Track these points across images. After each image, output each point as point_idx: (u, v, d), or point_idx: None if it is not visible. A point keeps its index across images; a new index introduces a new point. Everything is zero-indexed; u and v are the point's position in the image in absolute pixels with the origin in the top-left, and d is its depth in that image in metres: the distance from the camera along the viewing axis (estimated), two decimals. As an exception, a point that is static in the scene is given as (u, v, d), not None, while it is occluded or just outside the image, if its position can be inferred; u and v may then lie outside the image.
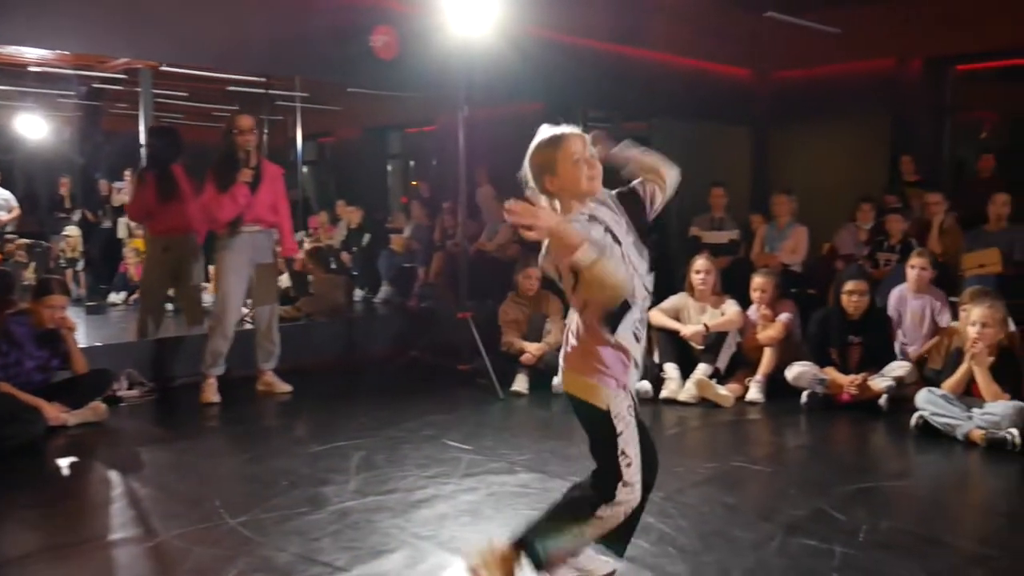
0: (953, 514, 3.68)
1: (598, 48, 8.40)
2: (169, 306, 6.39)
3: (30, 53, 7.96)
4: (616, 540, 2.69)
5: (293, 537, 3.14)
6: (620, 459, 2.52)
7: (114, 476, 3.89)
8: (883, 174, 8.74)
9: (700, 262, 5.63)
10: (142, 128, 8.49)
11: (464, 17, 6.26)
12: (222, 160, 5.31)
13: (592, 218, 2.42)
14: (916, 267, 5.57)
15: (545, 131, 2.52)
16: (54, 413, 4.47)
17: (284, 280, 7.61)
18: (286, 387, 5.55)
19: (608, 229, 2.41)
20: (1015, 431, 4.15)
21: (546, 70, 7.62)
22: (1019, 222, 6.53)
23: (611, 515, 2.53)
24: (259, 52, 6.34)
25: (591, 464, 4.01)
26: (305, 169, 15.08)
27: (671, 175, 2.63)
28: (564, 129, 2.51)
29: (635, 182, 2.61)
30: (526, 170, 2.54)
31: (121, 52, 6.63)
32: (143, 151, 5.71)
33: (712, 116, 9.58)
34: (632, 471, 2.53)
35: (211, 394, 5.23)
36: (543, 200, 2.50)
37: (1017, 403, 4.25)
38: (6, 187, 10.09)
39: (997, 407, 4.26)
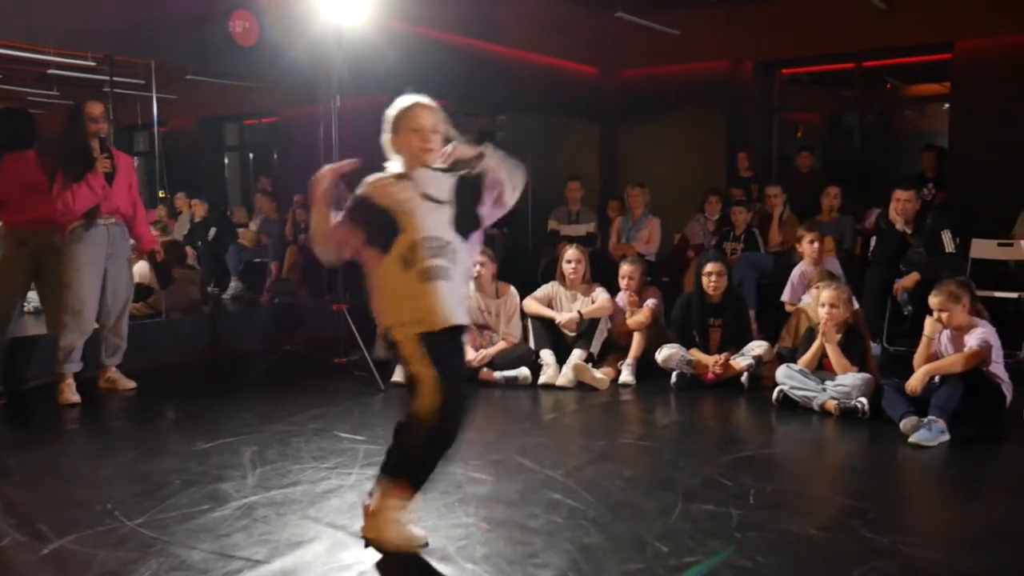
0: (822, 475, 4.06)
1: (451, 41, 8.47)
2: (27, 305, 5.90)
3: None
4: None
5: (202, 535, 3.03)
6: None
7: (-18, 484, 3.59)
8: (722, 169, 9.35)
9: (571, 252, 5.83)
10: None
11: (328, 5, 6.17)
12: (70, 148, 4.97)
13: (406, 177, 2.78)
14: (815, 241, 6.09)
15: (406, 96, 2.83)
16: None
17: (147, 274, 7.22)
18: (130, 383, 5.33)
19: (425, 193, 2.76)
20: (864, 400, 4.59)
21: (397, 62, 7.60)
22: (845, 213, 7.20)
23: None
24: (105, 33, 5.95)
25: (488, 449, 4.12)
26: (136, 161, 14.24)
27: (513, 193, 2.87)
28: (420, 98, 2.82)
29: (482, 177, 2.83)
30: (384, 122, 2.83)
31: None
32: None
33: (562, 112, 9.91)
34: None
35: (70, 394, 4.91)
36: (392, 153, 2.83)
37: (864, 375, 4.71)
38: None
39: (847, 379, 4.70)
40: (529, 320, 5.76)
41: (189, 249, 9.40)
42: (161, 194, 11.23)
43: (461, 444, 4.14)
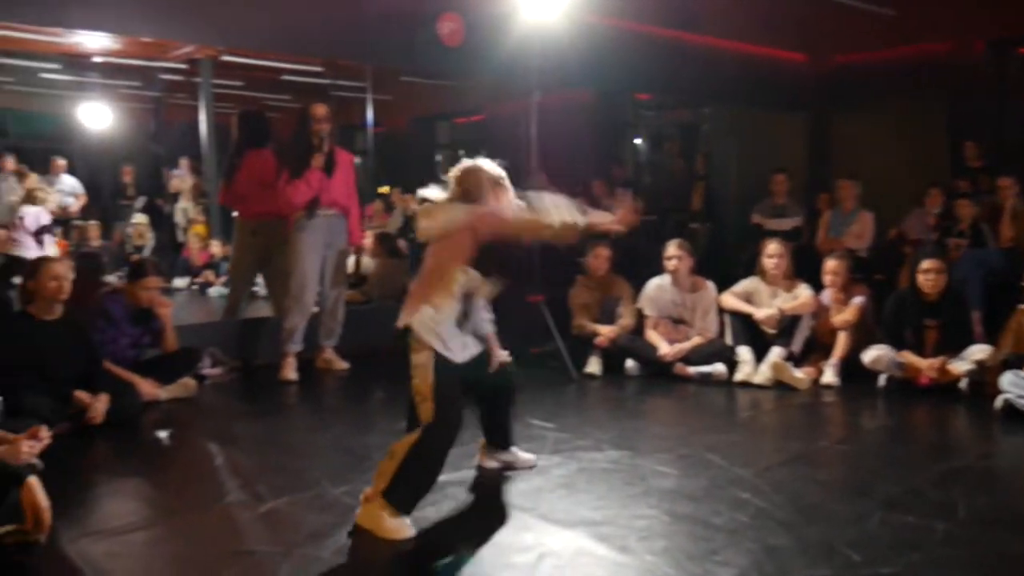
0: (1050, 492, 3.68)
1: (650, 33, 8.38)
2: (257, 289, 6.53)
3: (94, 43, 8.17)
4: None
5: (395, 508, 3.21)
6: None
7: (213, 447, 3.99)
8: (943, 159, 8.63)
9: (773, 246, 5.62)
10: (202, 117, 8.68)
11: (529, 3, 6.30)
12: (295, 146, 5.43)
13: None
14: None
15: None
16: (148, 388, 4.62)
17: (365, 264, 7.77)
18: (344, 364, 5.70)
19: None
20: (1106, 413, 4.12)
21: (597, 56, 7.62)
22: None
23: None
24: (322, 38, 6.42)
25: (677, 444, 4.05)
26: (358, 159, 15.25)
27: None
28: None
29: None
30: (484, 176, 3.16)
31: (182, 37, 6.74)
32: (236, 135, 5.77)
33: (767, 102, 9.54)
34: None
35: (289, 371, 5.36)
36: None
37: (1107, 386, 4.22)
38: (70, 175, 10.37)
39: (1087, 390, 4.23)
40: (726, 315, 5.62)
41: (401, 241, 9.97)
42: (385, 189, 11.96)
43: (652, 437, 4.19)
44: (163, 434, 4.15)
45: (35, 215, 8.07)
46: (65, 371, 4.11)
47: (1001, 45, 8.76)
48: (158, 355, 4.90)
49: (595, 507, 3.25)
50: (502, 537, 2.96)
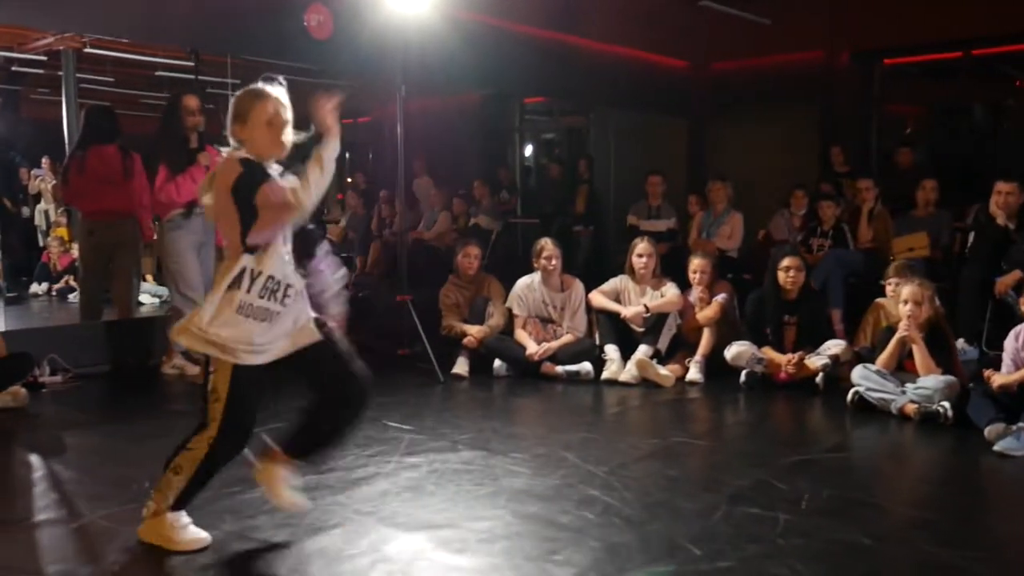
0: (891, 482, 3.75)
1: (534, 36, 8.36)
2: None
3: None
4: None
5: (226, 515, 3.03)
6: None
7: (35, 460, 3.69)
8: (814, 163, 8.91)
9: (642, 246, 5.63)
10: (65, 113, 8.18)
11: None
12: (171, 141, 5.11)
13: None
14: None
15: (259, 84, 2.64)
16: (-31, 398, 4.25)
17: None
18: (196, 369, 5.38)
19: None
20: (947, 404, 4.24)
21: (484, 57, 7.55)
22: (946, 208, 6.71)
23: None
24: (185, 27, 6.09)
25: (535, 443, 3.99)
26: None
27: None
28: (272, 89, 2.63)
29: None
30: (229, 110, 2.64)
31: (34, 22, 6.33)
32: (80, 131, 5.38)
33: (651, 106, 9.67)
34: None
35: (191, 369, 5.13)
36: (233, 144, 2.64)
37: (948, 377, 4.35)
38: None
39: (929, 381, 4.34)
40: (595, 314, 5.60)
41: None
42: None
43: (508, 437, 4.11)
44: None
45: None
46: None
47: (867, 56, 9.11)
48: (-16, 362, 4.52)
49: (439, 509, 3.13)
50: (335, 542, 2.80)
